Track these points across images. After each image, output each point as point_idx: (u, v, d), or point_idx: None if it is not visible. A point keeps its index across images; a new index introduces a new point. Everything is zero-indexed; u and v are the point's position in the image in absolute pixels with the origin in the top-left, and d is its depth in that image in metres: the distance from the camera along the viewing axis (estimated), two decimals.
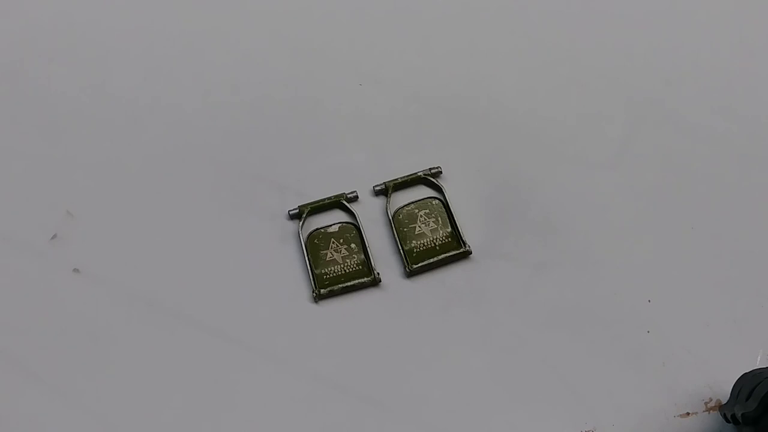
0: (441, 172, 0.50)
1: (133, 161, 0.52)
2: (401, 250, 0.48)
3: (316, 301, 0.47)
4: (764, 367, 0.41)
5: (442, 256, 0.47)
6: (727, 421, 0.40)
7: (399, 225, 0.49)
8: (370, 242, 0.48)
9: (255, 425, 0.43)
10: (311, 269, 0.47)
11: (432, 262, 0.47)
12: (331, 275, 0.47)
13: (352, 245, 0.48)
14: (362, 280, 0.47)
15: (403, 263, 0.47)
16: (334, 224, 0.49)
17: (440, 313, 0.46)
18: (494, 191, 0.50)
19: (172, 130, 0.53)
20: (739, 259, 0.47)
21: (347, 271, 0.47)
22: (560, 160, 0.51)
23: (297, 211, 0.49)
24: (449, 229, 0.49)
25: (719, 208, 0.49)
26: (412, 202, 0.50)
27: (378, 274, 0.47)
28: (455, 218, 0.49)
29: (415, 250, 0.48)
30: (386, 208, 0.49)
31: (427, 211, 0.49)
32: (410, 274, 0.47)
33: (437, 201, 0.50)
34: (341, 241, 0.49)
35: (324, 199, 0.50)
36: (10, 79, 0.56)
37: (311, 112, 0.54)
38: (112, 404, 0.44)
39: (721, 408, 0.41)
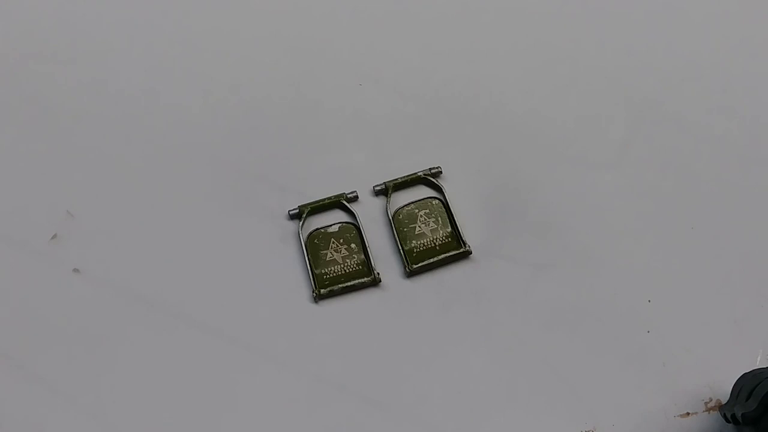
0: (441, 172, 0.50)
1: (134, 161, 0.52)
2: (401, 250, 0.48)
3: (316, 301, 0.47)
4: (764, 367, 0.42)
5: (442, 256, 0.47)
6: (727, 421, 0.40)
7: (399, 225, 0.49)
8: (370, 242, 0.48)
9: (255, 425, 0.43)
10: (311, 269, 0.47)
11: (432, 262, 0.47)
12: (331, 275, 0.47)
13: (352, 245, 0.48)
14: (362, 280, 0.47)
15: (403, 263, 0.47)
16: (334, 224, 0.49)
17: (440, 313, 0.46)
18: (494, 191, 0.50)
19: (172, 130, 0.53)
20: (739, 259, 0.47)
21: (347, 271, 0.47)
22: (560, 160, 0.51)
23: (297, 211, 0.49)
24: (449, 229, 0.49)
25: (719, 208, 0.49)
26: (412, 202, 0.50)
27: (378, 274, 0.47)
28: (455, 218, 0.49)
29: (415, 250, 0.48)
30: (386, 208, 0.49)
31: (427, 211, 0.49)
32: (410, 274, 0.47)
33: (437, 201, 0.50)
34: (341, 241, 0.49)
35: (324, 199, 0.50)
36: (10, 79, 0.56)
37: (311, 112, 0.54)
38: (111, 404, 0.44)
39: (721, 408, 0.41)
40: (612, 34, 0.57)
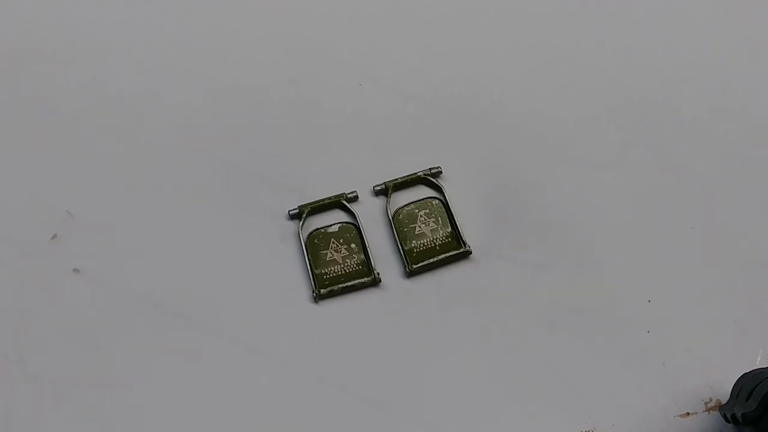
0: (441, 172, 0.50)
1: (134, 161, 0.52)
2: (401, 250, 0.48)
3: (316, 301, 0.47)
4: (764, 367, 0.42)
5: (442, 256, 0.47)
6: (727, 421, 0.40)
7: (399, 225, 0.49)
8: (370, 242, 0.48)
9: (255, 425, 0.43)
10: (311, 269, 0.47)
11: (432, 262, 0.47)
12: (331, 275, 0.47)
13: (352, 245, 0.48)
14: (362, 280, 0.47)
15: (403, 263, 0.47)
16: (334, 224, 0.49)
17: (440, 313, 0.46)
18: (494, 191, 0.50)
19: (172, 129, 0.53)
20: (739, 259, 0.47)
21: (347, 271, 0.47)
22: (560, 160, 0.51)
23: (297, 211, 0.49)
24: (449, 229, 0.49)
25: (719, 208, 0.49)
26: (412, 202, 0.50)
27: (378, 274, 0.47)
28: (455, 218, 0.49)
29: (415, 250, 0.48)
30: (386, 208, 0.49)
31: (427, 211, 0.49)
32: (410, 274, 0.47)
33: (437, 201, 0.50)
34: (341, 241, 0.49)
35: (324, 199, 0.50)
36: (10, 79, 0.56)
37: (311, 112, 0.54)
38: (111, 404, 0.44)
39: (721, 408, 0.41)
40: (612, 34, 0.57)
